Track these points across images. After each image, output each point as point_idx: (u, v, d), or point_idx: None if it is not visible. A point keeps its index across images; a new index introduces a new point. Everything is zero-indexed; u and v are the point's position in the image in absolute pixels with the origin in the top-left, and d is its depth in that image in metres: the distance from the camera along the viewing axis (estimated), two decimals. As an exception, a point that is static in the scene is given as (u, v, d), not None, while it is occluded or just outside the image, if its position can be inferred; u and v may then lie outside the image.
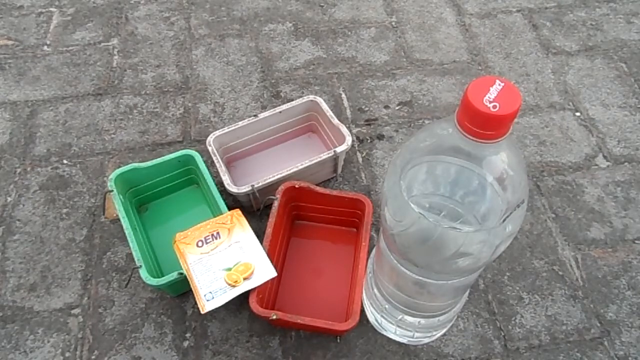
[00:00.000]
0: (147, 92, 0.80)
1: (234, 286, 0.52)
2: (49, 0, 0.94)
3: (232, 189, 0.60)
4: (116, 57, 0.85)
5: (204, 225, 0.57)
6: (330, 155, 0.62)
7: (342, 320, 0.52)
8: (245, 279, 0.52)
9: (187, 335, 0.57)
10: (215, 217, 0.58)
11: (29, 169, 0.72)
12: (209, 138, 0.65)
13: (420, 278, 0.43)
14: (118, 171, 0.62)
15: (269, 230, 0.56)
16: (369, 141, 0.74)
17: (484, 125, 0.29)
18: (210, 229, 0.56)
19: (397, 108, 0.78)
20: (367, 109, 0.78)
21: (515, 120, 0.31)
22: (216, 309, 0.51)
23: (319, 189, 0.60)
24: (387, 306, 0.52)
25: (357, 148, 0.73)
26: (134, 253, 0.55)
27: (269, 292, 0.56)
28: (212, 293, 0.51)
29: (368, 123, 0.76)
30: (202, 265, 0.53)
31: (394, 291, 0.49)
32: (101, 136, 0.75)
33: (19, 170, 0.71)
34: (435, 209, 0.36)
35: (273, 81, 0.82)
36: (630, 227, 0.65)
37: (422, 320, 0.52)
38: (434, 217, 0.36)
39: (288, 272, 0.61)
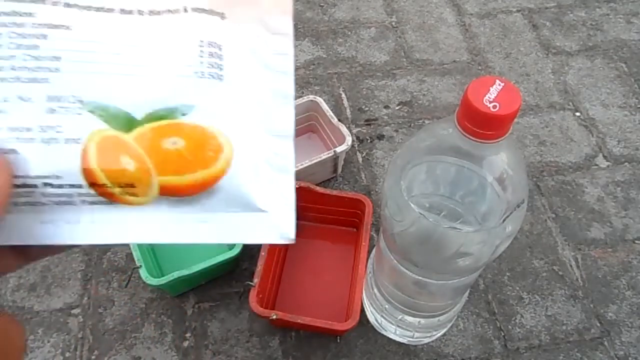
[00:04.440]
0: (147, 92, 0.80)
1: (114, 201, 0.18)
2: (49, 0, 0.94)
3: (232, 189, 0.60)
4: (116, 57, 0.85)
5: None
6: (330, 155, 0.62)
7: (342, 320, 0.52)
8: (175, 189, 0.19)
9: (187, 335, 0.57)
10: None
11: (29, 169, 0.72)
12: (209, 138, 0.65)
13: (420, 278, 0.43)
14: (118, 171, 0.61)
15: (269, 230, 0.56)
16: (369, 141, 0.74)
17: (484, 125, 0.29)
18: None
19: (397, 108, 0.78)
20: (367, 109, 0.78)
21: (515, 120, 0.31)
22: (216, 309, 0.51)
23: (319, 189, 0.60)
24: (387, 306, 0.52)
25: (357, 148, 0.73)
26: (134, 253, 0.55)
27: (269, 292, 0.56)
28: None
29: (368, 123, 0.76)
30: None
31: (394, 291, 0.49)
32: (101, 136, 0.75)
33: (19, 170, 0.71)
34: (435, 209, 0.36)
35: (273, 81, 0.81)
36: (630, 227, 0.65)
37: (422, 320, 0.52)
38: (434, 217, 0.36)
39: (288, 272, 0.61)
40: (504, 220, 0.34)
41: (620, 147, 0.73)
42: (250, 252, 0.61)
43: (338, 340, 0.57)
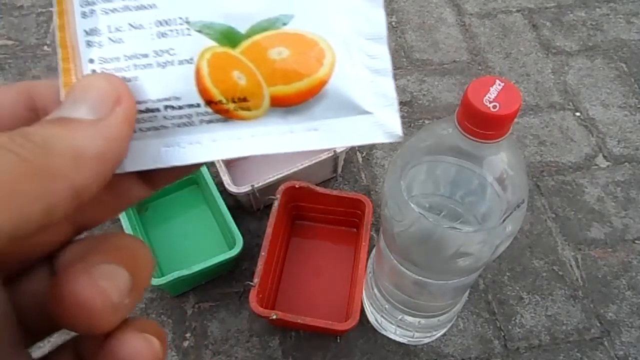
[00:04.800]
0: (147, 92, 0.80)
1: (229, 117, 0.17)
2: (49, 0, 0.94)
3: (232, 189, 0.60)
4: (116, 57, 0.85)
5: None
6: (330, 155, 0.62)
7: (342, 320, 0.52)
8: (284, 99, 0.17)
9: (187, 335, 0.57)
10: (215, 218, 0.58)
11: (29, 169, 0.72)
12: (209, 138, 0.65)
13: (420, 278, 0.43)
14: (118, 171, 0.61)
15: (269, 230, 0.56)
16: (369, 141, 0.74)
17: (484, 125, 0.29)
18: None
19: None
20: (367, 109, 0.78)
21: (515, 120, 0.31)
22: (216, 309, 0.51)
23: (319, 189, 0.60)
24: (387, 306, 0.52)
25: (357, 148, 0.73)
26: (134, 253, 0.55)
27: (269, 292, 0.56)
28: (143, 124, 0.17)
29: (368, 123, 0.76)
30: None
31: (393, 291, 0.49)
32: (101, 136, 0.75)
33: (19, 170, 0.71)
34: (435, 209, 0.36)
35: (273, 81, 0.81)
36: (630, 227, 0.65)
37: (422, 320, 0.52)
38: (434, 217, 0.36)
39: (288, 272, 0.61)
40: (504, 220, 0.34)
41: (620, 147, 0.73)
42: (250, 252, 0.61)
43: (338, 340, 0.57)
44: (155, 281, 0.53)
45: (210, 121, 0.17)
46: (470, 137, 0.30)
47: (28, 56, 0.85)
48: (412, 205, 0.36)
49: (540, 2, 0.93)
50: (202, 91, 0.17)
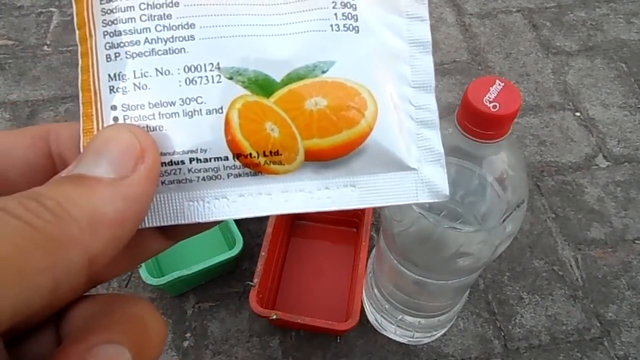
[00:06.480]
0: (147, 92, 0.80)
1: (259, 172, 0.16)
2: (49, 0, 0.94)
3: (232, 189, 0.60)
4: (116, 57, 0.85)
5: None
6: (330, 155, 0.62)
7: (342, 320, 0.52)
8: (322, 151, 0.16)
9: (187, 335, 0.57)
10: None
11: (29, 169, 0.72)
12: (209, 138, 0.65)
13: (420, 278, 0.43)
14: (118, 171, 0.61)
15: (269, 230, 0.56)
16: (369, 141, 0.74)
17: (484, 126, 0.29)
18: None
19: (397, 108, 0.78)
20: (367, 109, 0.78)
21: (515, 120, 0.31)
22: (216, 309, 0.51)
23: (319, 189, 0.60)
24: (387, 306, 0.52)
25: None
26: (134, 253, 0.55)
27: (269, 292, 0.56)
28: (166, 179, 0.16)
29: (368, 123, 0.76)
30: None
31: (394, 291, 0.49)
32: (101, 136, 0.75)
33: (19, 170, 0.71)
34: (435, 209, 0.36)
35: (273, 81, 0.81)
36: (630, 227, 0.65)
37: (422, 320, 0.52)
38: (434, 217, 0.36)
39: (288, 272, 0.61)
40: (504, 220, 0.34)
41: (620, 147, 0.73)
42: (250, 252, 0.61)
43: (338, 340, 0.57)
44: (155, 281, 0.53)
45: (238, 175, 0.16)
46: (470, 137, 0.30)
47: (28, 56, 0.85)
48: (412, 205, 0.36)
49: (540, 2, 0.93)
50: (232, 143, 0.15)
